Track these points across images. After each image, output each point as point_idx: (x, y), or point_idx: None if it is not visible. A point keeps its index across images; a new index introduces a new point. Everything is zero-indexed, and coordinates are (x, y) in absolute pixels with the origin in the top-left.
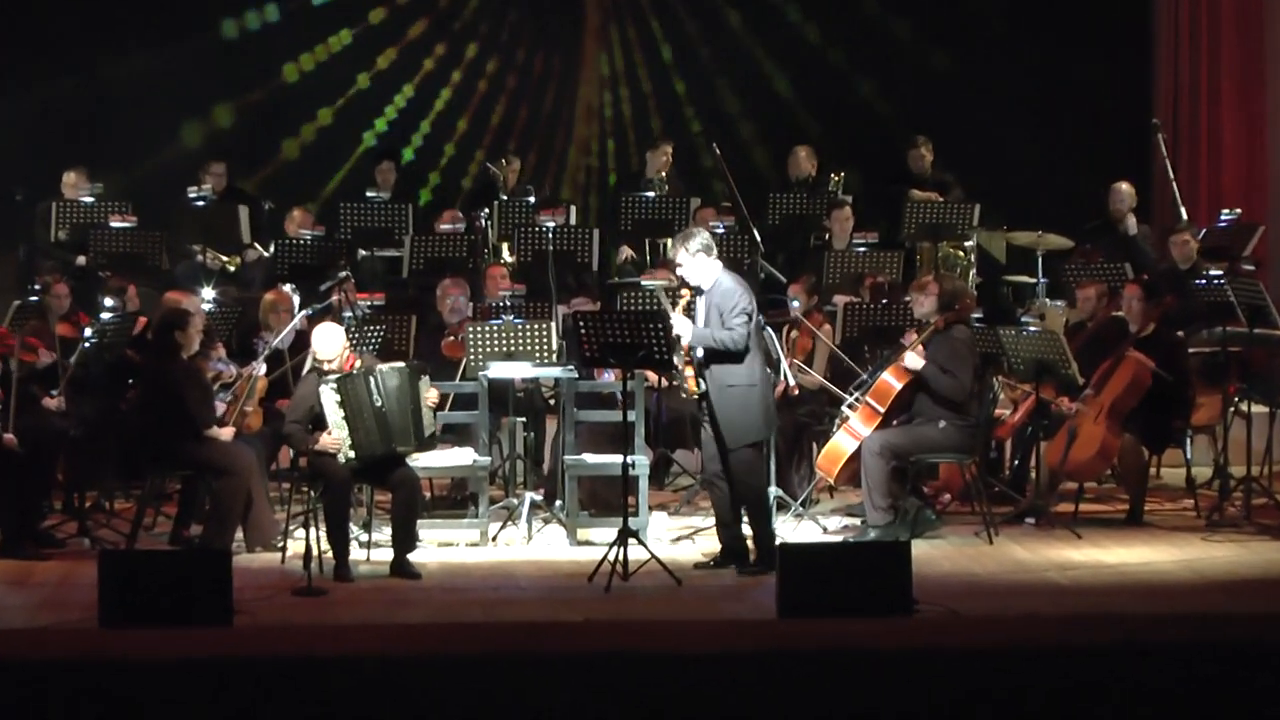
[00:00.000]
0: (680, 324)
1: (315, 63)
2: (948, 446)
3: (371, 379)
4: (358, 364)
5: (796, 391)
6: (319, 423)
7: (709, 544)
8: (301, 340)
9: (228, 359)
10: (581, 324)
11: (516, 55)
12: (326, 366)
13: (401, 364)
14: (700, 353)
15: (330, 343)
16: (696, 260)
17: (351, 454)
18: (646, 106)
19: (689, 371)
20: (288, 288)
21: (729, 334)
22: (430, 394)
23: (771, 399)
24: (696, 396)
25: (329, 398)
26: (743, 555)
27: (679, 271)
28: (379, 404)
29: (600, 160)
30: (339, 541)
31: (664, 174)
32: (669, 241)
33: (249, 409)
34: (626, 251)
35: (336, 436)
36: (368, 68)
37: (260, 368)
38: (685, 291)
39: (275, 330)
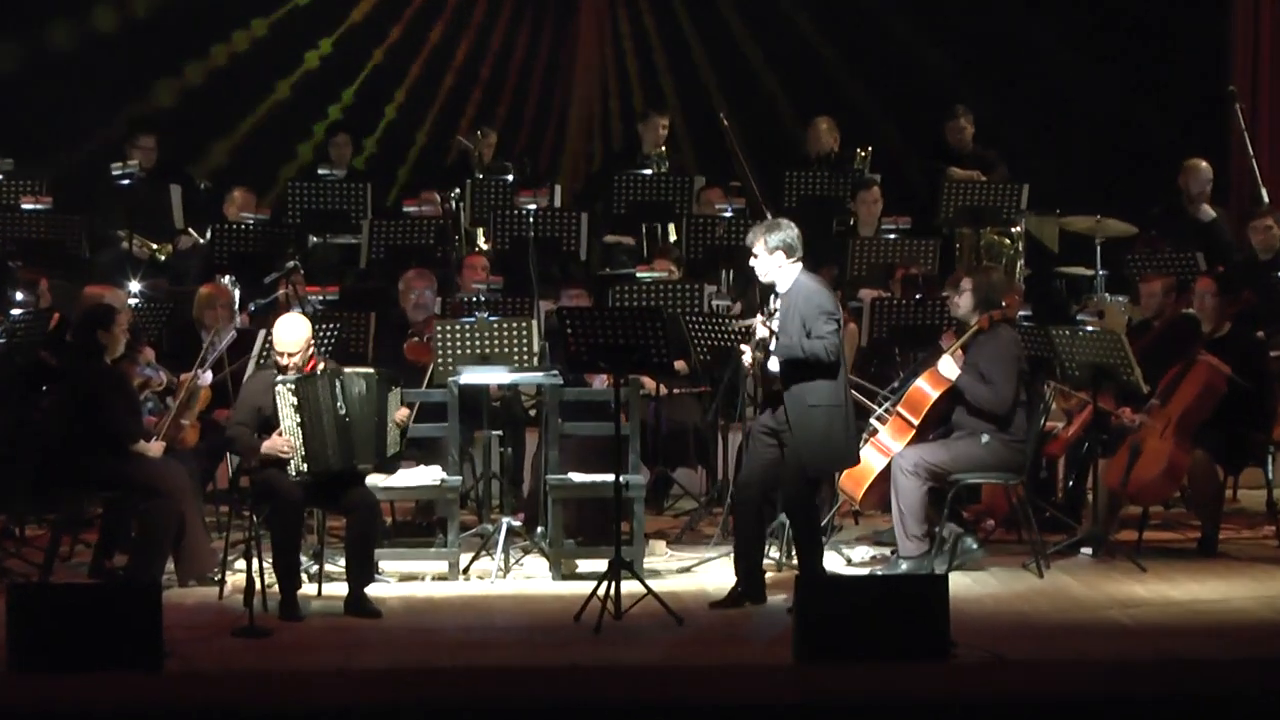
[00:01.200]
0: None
1: (269, 27)
2: (992, 465)
3: (336, 383)
4: (321, 367)
5: None
6: (267, 428)
7: (716, 577)
8: (242, 341)
9: (157, 364)
10: (568, 322)
11: (501, 10)
12: (285, 361)
13: (371, 370)
14: (775, 364)
15: (293, 334)
16: (775, 258)
17: (304, 466)
18: (653, 69)
19: (747, 356)
20: (227, 280)
21: (821, 343)
22: (400, 410)
23: (854, 422)
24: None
25: (285, 399)
26: (758, 592)
27: (751, 263)
28: (342, 411)
29: (601, 133)
30: (286, 573)
31: (662, 149)
32: (668, 227)
33: (186, 422)
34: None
35: (288, 440)
36: (329, 31)
37: (205, 376)
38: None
39: (211, 329)
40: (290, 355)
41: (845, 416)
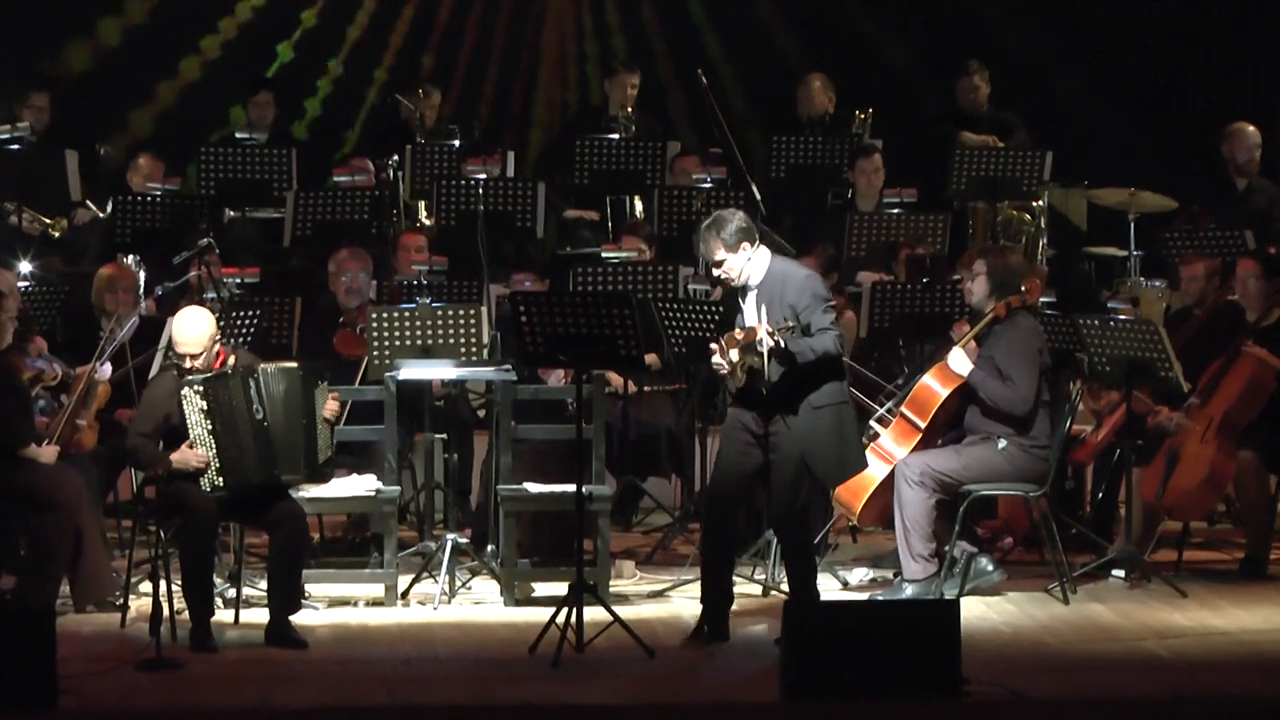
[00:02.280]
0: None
1: None
2: (1009, 474)
3: (252, 382)
4: (231, 361)
5: None
6: (175, 437)
7: (693, 603)
8: (148, 330)
9: (50, 355)
10: (523, 309)
11: None
12: (189, 363)
13: (292, 364)
14: (770, 365)
15: (195, 330)
16: (742, 253)
17: (220, 481)
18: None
19: (732, 355)
20: (130, 260)
21: (829, 337)
22: (329, 404)
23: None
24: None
25: (193, 404)
26: (721, 624)
27: (720, 273)
28: (259, 415)
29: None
30: (199, 598)
31: (629, 109)
32: (634, 200)
33: (83, 421)
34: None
35: (201, 451)
36: None
37: (105, 369)
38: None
39: (113, 315)
40: (193, 356)
41: (852, 414)
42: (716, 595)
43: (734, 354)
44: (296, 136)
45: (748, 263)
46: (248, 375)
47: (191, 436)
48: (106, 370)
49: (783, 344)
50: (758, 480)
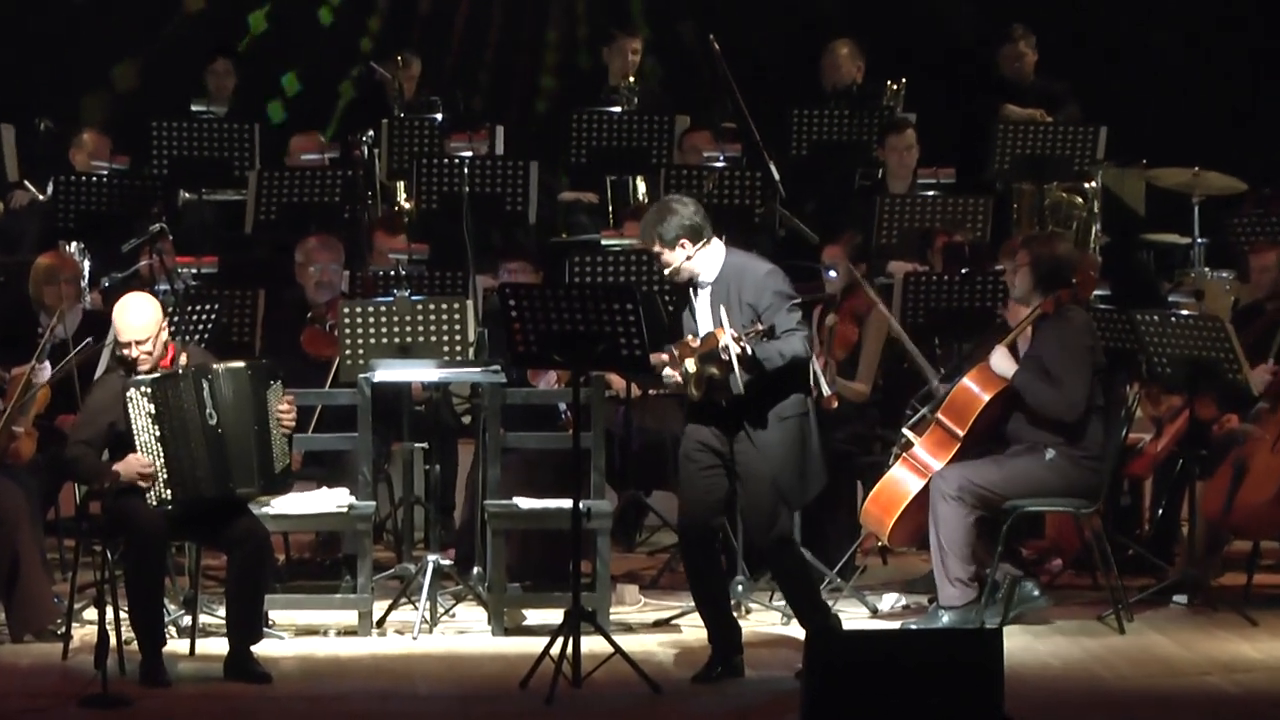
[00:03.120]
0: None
1: None
2: (1058, 488)
3: (205, 383)
4: (183, 359)
5: (834, 405)
6: (121, 446)
7: (704, 633)
8: (93, 326)
9: None
10: (513, 303)
11: None
12: (134, 351)
13: (240, 363)
14: (738, 376)
15: (139, 316)
16: (679, 252)
17: (167, 494)
18: None
19: (688, 365)
20: (73, 248)
21: (796, 339)
22: (281, 404)
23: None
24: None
25: (139, 408)
26: (733, 658)
27: (658, 263)
28: (213, 420)
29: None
30: (149, 626)
31: (632, 79)
32: (637, 181)
33: (20, 429)
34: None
35: (148, 461)
36: None
37: (44, 370)
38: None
39: (53, 310)
40: (138, 344)
41: (813, 425)
42: (721, 630)
43: (689, 364)
44: (273, 119)
45: (687, 261)
46: (200, 376)
47: (137, 444)
48: (46, 371)
49: (750, 351)
50: (730, 503)
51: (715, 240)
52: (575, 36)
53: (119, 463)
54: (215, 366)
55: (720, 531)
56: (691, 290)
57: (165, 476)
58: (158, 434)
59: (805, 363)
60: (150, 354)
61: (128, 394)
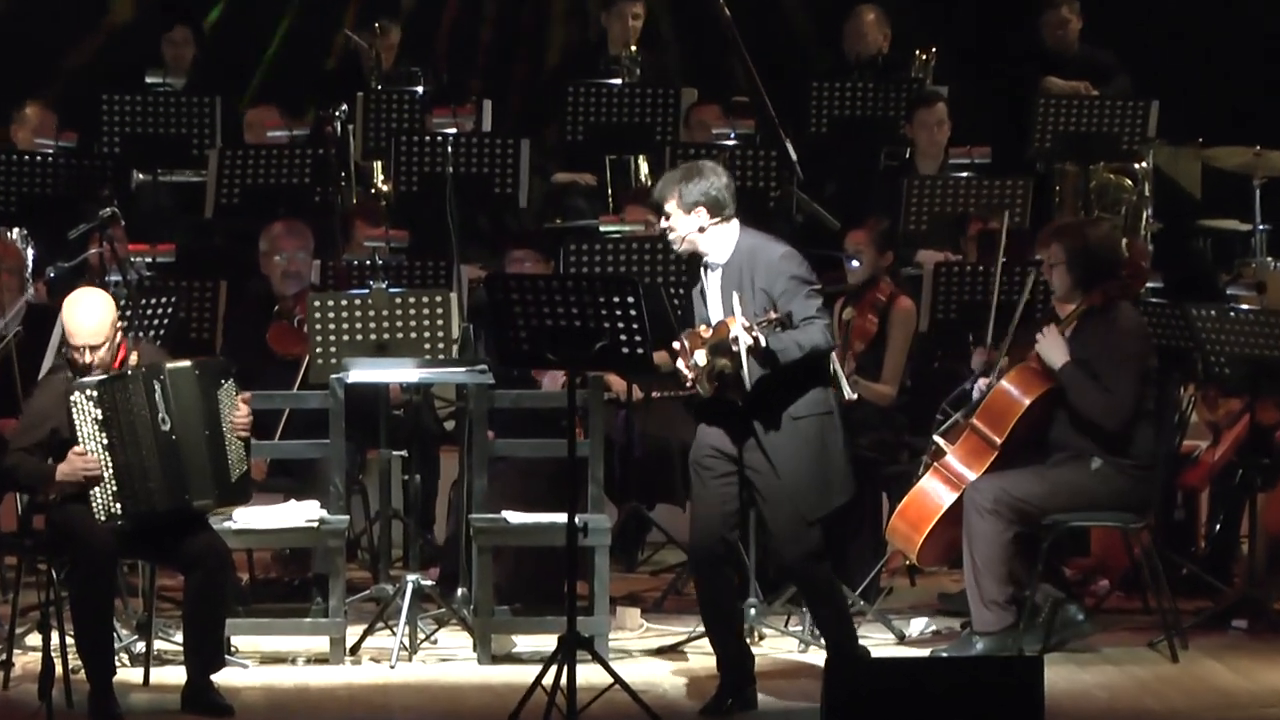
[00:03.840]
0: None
1: None
2: (1105, 501)
3: (157, 385)
4: (133, 360)
5: (854, 400)
6: (64, 453)
7: (712, 661)
8: (37, 320)
9: None
10: (503, 296)
11: None
12: (88, 357)
13: (187, 362)
14: (749, 369)
15: (92, 317)
16: (694, 219)
17: (117, 508)
18: None
19: (698, 358)
20: (15, 235)
21: (815, 329)
22: (238, 406)
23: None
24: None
25: (85, 413)
26: (745, 690)
27: (662, 227)
28: (166, 426)
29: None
30: (98, 653)
31: (633, 48)
32: (639, 162)
33: None
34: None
35: (93, 458)
36: None
37: None
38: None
39: None
40: (91, 349)
41: (837, 426)
42: (732, 657)
43: (699, 356)
44: (241, 104)
45: (698, 234)
46: (152, 377)
47: (84, 451)
48: None
49: (763, 341)
50: (747, 510)
51: (734, 220)
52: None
53: (61, 463)
54: (169, 366)
55: (734, 549)
56: (702, 273)
57: (115, 489)
58: (105, 441)
59: (826, 355)
60: (101, 360)
61: (72, 398)
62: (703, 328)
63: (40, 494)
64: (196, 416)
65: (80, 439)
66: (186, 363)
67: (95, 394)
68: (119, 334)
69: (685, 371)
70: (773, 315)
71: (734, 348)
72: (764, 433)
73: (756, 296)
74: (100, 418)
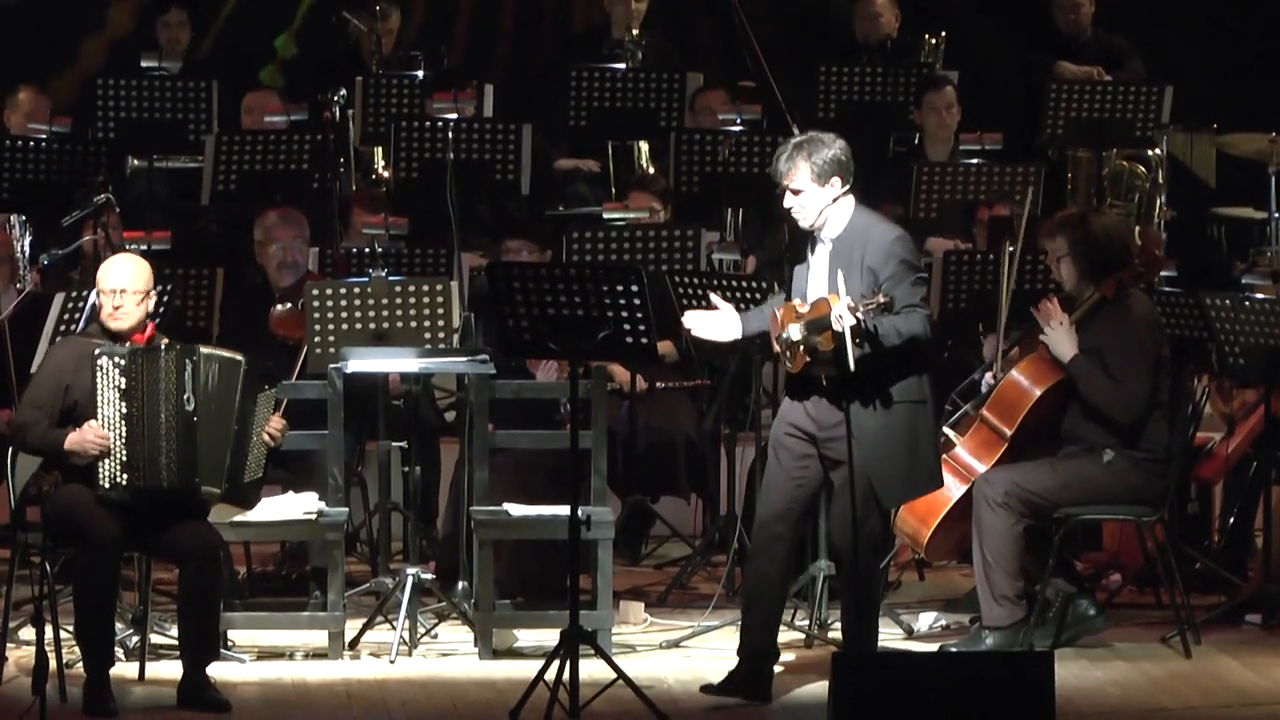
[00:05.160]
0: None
1: None
2: (1118, 494)
3: (188, 364)
4: (165, 343)
5: None
6: (76, 419)
7: (717, 656)
8: (30, 309)
9: None
10: (504, 284)
11: None
12: (115, 301)
13: (238, 355)
14: (851, 352)
15: (130, 265)
16: (829, 190)
17: (123, 478)
18: None
19: (791, 331)
20: (13, 220)
21: (917, 318)
22: (274, 422)
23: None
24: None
25: (108, 378)
26: (763, 683)
27: (792, 205)
28: (189, 406)
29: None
30: (95, 647)
31: (636, 31)
32: (641, 147)
33: None
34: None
35: (104, 430)
36: None
37: None
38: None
39: None
40: (122, 293)
41: (930, 417)
42: (755, 648)
43: (794, 330)
44: (269, 84)
45: (831, 205)
46: (184, 356)
47: (99, 418)
48: None
49: (868, 324)
50: (818, 499)
51: (850, 195)
52: None
53: (72, 433)
54: (204, 349)
55: (799, 536)
56: (809, 247)
57: (124, 459)
58: (123, 410)
59: (925, 345)
60: (129, 313)
61: (98, 361)
62: (797, 301)
63: (38, 452)
64: (228, 408)
65: (99, 404)
66: (238, 356)
67: (123, 363)
68: (150, 307)
69: (774, 344)
70: (881, 299)
71: (835, 326)
72: (858, 414)
73: (864, 275)
74: (123, 386)
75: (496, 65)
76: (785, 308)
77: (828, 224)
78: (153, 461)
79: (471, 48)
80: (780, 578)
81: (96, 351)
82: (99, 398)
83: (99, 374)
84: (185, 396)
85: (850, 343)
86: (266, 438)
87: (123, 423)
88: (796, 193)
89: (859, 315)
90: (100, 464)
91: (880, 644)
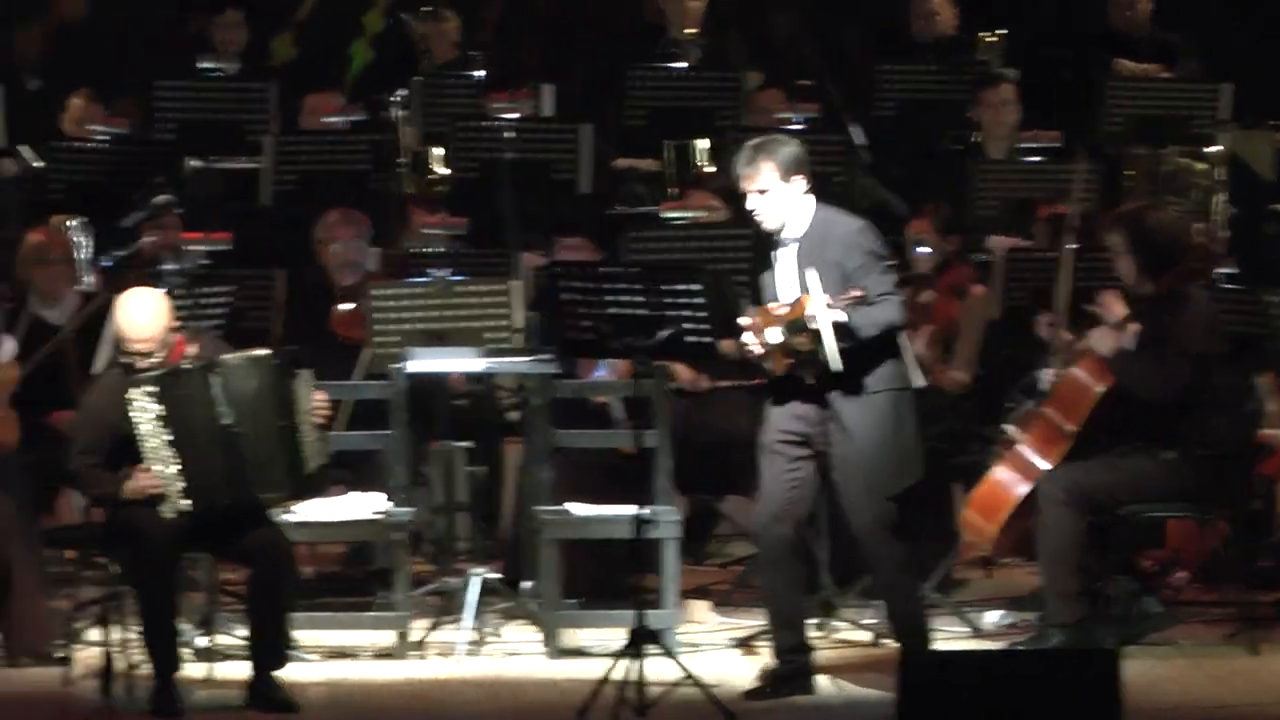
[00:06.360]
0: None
1: None
2: (1180, 491)
3: (214, 379)
4: (192, 350)
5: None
6: (127, 451)
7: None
8: (93, 310)
9: None
10: (565, 283)
11: None
12: (139, 359)
13: (261, 351)
14: (832, 348)
15: (144, 318)
16: (794, 186)
17: (186, 503)
18: None
19: (770, 334)
20: (73, 225)
21: (891, 305)
22: (315, 396)
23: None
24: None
25: (143, 411)
26: (804, 674)
27: (755, 204)
28: (226, 420)
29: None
30: (161, 648)
31: (695, 30)
32: (698, 146)
33: None
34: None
35: (158, 477)
36: None
37: (6, 347)
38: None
39: (41, 293)
40: (141, 346)
41: (910, 403)
42: (788, 648)
43: (774, 333)
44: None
45: (797, 202)
46: (207, 371)
47: (144, 450)
48: (8, 347)
49: (847, 319)
50: (816, 498)
51: (810, 193)
52: None
53: (128, 482)
54: (226, 359)
55: (803, 537)
56: (772, 251)
57: (181, 485)
58: (168, 438)
59: (900, 331)
60: (156, 358)
61: (128, 396)
62: (774, 304)
63: (97, 498)
64: (267, 409)
65: (140, 436)
66: (261, 352)
67: (154, 390)
68: (175, 333)
69: (754, 349)
70: (856, 293)
71: (810, 325)
72: (840, 406)
73: (831, 270)
74: (160, 414)
75: (555, 64)
76: (762, 311)
77: (791, 224)
78: (209, 483)
79: (530, 47)
80: (793, 575)
81: (125, 384)
82: (139, 430)
83: (133, 409)
84: (219, 411)
85: (832, 339)
86: (316, 420)
87: (170, 450)
88: (762, 193)
89: (837, 310)
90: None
91: (945, 642)
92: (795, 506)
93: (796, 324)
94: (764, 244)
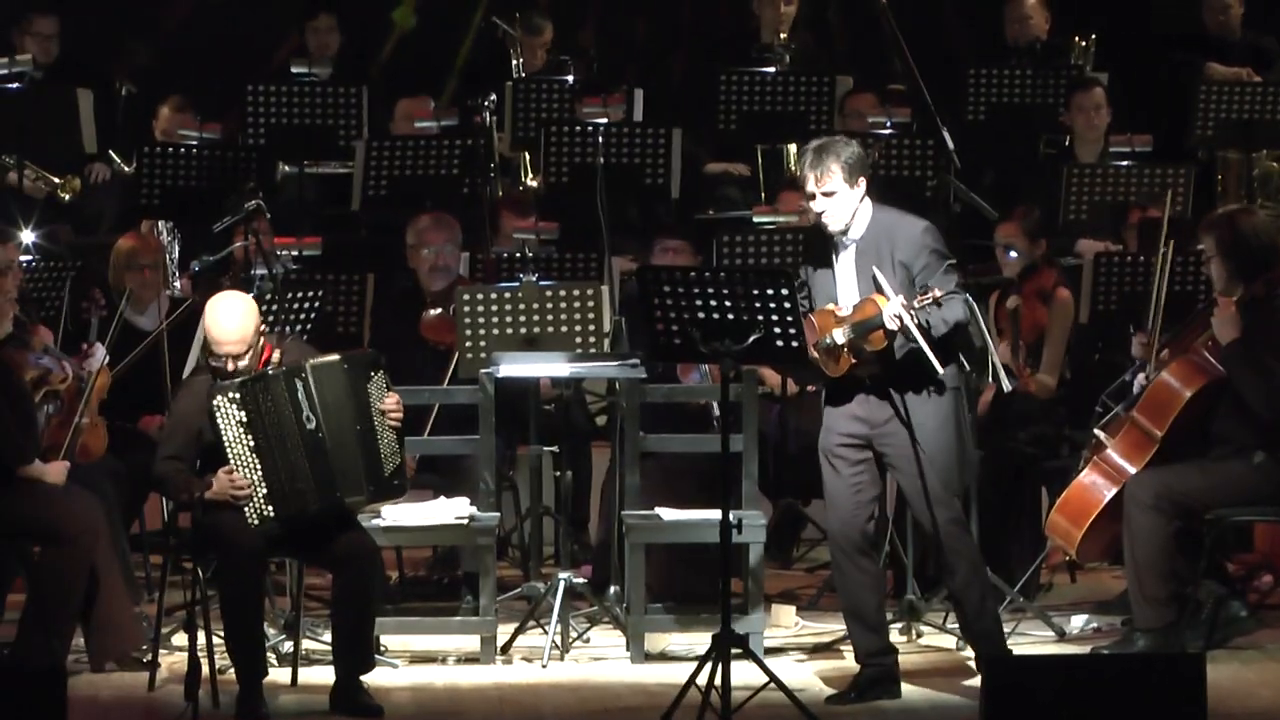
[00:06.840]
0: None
1: None
2: (1269, 496)
3: (299, 384)
4: (275, 358)
5: (1011, 393)
6: (213, 457)
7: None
8: (180, 317)
9: (58, 350)
10: (655, 288)
11: None
12: (229, 363)
13: (334, 356)
14: (927, 349)
15: (232, 322)
16: (856, 189)
17: (269, 510)
18: None
19: (836, 336)
20: (162, 228)
21: (957, 303)
22: (388, 398)
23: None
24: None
25: (229, 417)
26: (890, 679)
27: (820, 208)
28: (311, 425)
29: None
30: (247, 653)
31: (786, 35)
32: (791, 149)
33: (85, 420)
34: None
35: (242, 478)
36: None
37: (98, 352)
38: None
39: (138, 299)
40: (230, 349)
41: (964, 403)
42: (868, 651)
43: (838, 334)
44: (401, 24)
45: (860, 204)
46: (293, 376)
47: (229, 456)
48: (99, 354)
49: (923, 323)
50: (881, 499)
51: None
52: None
53: (212, 483)
54: (309, 364)
55: (872, 539)
56: (833, 252)
57: (265, 491)
58: (251, 444)
59: (965, 329)
60: (245, 363)
61: (214, 402)
62: (835, 305)
63: (181, 502)
64: (346, 413)
65: (226, 443)
66: (333, 357)
67: (238, 396)
68: (262, 337)
69: (812, 351)
70: (934, 294)
71: (890, 326)
72: (905, 406)
73: (896, 271)
74: (245, 420)
75: (647, 70)
76: (821, 313)
77: (855, 226)
78: (293, 489)
79: (623, 54)
80: (869, 579)
81: (211, 391)
82: (224, 436)
83: (218, 415)
84: (305, 415)
85: (922, 339)
86: (391, 422)
87: (254, 455)
88: (829, 195)
89: (913, 313)
90: (244, 505)
91: (1031, 647)
92: (862, 509)
93: (864, 325)
94: (812, 245)
